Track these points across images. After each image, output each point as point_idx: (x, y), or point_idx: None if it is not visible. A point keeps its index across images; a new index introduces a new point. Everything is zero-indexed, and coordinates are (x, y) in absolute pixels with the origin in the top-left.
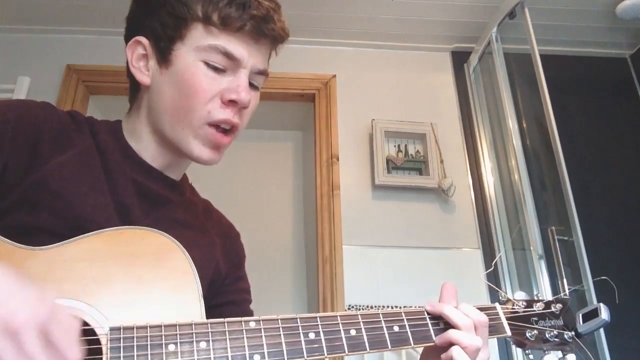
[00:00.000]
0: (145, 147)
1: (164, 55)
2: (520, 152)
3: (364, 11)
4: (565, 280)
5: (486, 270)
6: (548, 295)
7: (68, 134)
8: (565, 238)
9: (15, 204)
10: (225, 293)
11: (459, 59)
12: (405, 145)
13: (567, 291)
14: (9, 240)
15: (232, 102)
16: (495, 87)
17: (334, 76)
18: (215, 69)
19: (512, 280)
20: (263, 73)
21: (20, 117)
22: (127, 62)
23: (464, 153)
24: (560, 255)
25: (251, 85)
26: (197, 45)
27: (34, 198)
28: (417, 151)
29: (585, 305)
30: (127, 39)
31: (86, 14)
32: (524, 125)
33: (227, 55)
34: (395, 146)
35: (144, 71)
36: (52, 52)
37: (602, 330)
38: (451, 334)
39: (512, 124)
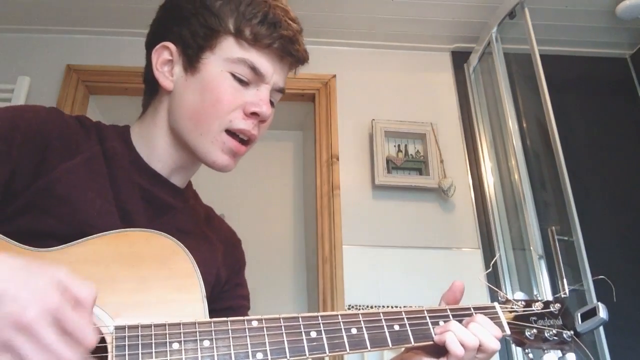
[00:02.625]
0: (156, 151)
1: (191, 62)
2: (520, 152)
3: (364, 11)
4: (565, 280)
5: (485, 271)
6: (548, 295)
7: (76, 140)
8: (565, 238)
9: (22, 209)
10: (224, 299)
11: (459, 59)
12: (405, 145)
13: (567, 290)
14: (15, 242)
15: (253, 115)
16: (495, 87)
17: (334, 76)
18: (241, 81)
19: (512, 280)
20: (281, 91)
21: (28, 124)
22: (150, 66)
23: (464, 153)
24: (560, 255)
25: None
26: (227, 57)
27: (41, 204)
28: (417, 151)
29: (585, 305)
30: (151, 43)
31: (86, 14)
32: (524, 125)
33: (254, 69)
34: (395, 146)
35: (168, 76)
36: (52, 52)
37: (602, 330)
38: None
39: (512, 124)
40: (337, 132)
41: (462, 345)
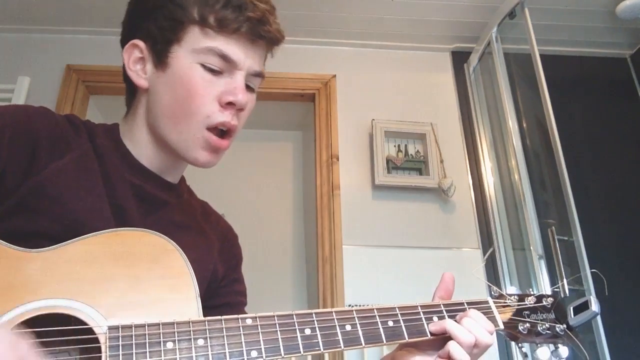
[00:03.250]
0: (142, 149)
1: (160, 58)
2: (520, 152)
3: (364, 11)
4: (565, 280)
5: (481, 267)
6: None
7: (66, 139)
8: (565, 238)
9: (13, 209)
10: (221, 295)
11: (459, 59)
12: (405, 145)
13: (566, 290)
14: (6, 243)
15: (230, 105)
16: (495, 87)
17: (334, 76)
18: (212, 71)
19: (512, 280)
20: (259, 75)
21: (17, 122)
22: (124, 66)
23: (464, 153)
24: (560, 255)
25: (248, 87)
26: (194, 48)
27: (32, 203)
28: (417, 151)
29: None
30: (124, 42)
31: (86, 14)
32: (524, 125)
33: (224, 57)
34: (395, 146)
35: (141, 74)
36: (52, 52)
37: (601, 330)
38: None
39: (512, 124)
40: (337, 132)
41: (461, 345)
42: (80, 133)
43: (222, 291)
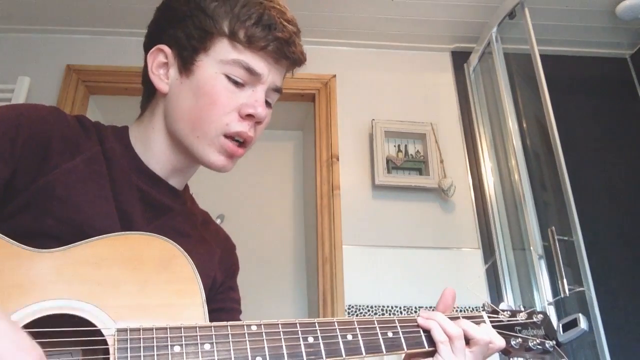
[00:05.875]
0: (153, 153)
1: (186, 64)
2: (520, 152)
3: (364, 11)
4: (565, 280)
5: (477, 279)
6: (548, 296)
7: (76, 140)
8: (565, 238)
9: (21, 208)
10: (218, 300)
11: (459, 59)
12: (405, 145)
13: (567, 291)
14: (16, 242)
15: (249, 117)
16: (495, 87)
17: (334, 76)
18: (236, 83)
19: (512, 280)
20: (278, 90)
21: (32, 123)
22: (146, 69)
23: (464, 153)
24: (560, 255)
25: (266, 102)
26: (221, 59)
27: (41, 204)
28: (417, 151)
29: (585, 305)
30: (148, 45)
31: (86, 14)
32: (524, 125)
33: (249, 70)
34: (395, 146)
35: (164, 79)
36: (52, 52)
37: (602, 330)
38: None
39: (512, 124)
40: (337, 132)
41: (446, 334)
42: (90, 135)
43: (218, 297)
